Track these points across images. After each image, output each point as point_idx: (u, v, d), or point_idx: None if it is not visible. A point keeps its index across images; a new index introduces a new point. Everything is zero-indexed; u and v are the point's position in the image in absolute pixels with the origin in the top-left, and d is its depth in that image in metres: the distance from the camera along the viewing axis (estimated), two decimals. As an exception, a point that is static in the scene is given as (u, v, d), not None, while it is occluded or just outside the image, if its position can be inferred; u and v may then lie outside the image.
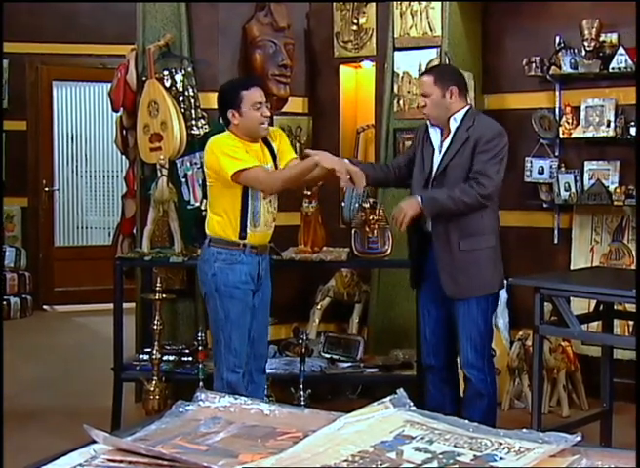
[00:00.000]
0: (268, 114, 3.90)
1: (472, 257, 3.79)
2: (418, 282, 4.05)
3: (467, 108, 3.88)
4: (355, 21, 5.55)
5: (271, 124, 5.27)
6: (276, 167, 3.92)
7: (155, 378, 4.56)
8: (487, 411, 3.83)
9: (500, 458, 1.43)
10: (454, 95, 3.82)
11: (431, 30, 5.12)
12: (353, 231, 4.63)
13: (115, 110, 5.42)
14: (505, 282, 5.02)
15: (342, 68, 5.73)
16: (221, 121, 4.04)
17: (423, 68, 5.08)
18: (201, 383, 4.45)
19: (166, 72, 5.02)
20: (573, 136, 5.21)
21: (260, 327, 4.00)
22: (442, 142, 3.87)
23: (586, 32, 5.04)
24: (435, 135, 3.90)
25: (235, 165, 3.70)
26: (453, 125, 3.84)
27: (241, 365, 3.91)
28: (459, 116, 3.84)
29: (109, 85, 5.42)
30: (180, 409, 1.74)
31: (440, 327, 3.95)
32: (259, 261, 3.89)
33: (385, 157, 5.25)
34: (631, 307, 4.45)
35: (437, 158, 3.87)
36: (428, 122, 3.95)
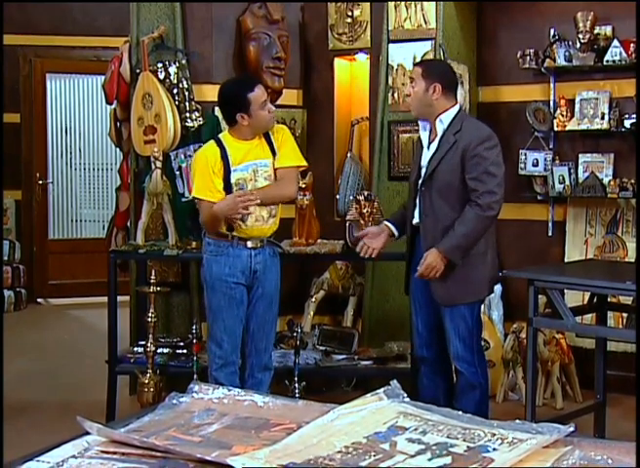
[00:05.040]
0: (273, 108, 3.96)
1: (462, 264, 3.76)
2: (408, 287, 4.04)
3: (456, 110, 3.82)
4: (350, 14, 5.54)
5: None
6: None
7: (150, 371, 4.55)
8: (480, 403, 3.83)
9: (494, 449, 1.43)
10: (437, 92, 3.77)
11: (426, 23, 5.11)
12: (348, 224, 4.63)
13: (109, 103, 5.41)
14: (499, 274, 5.04)
15: (337, 61, 5.73)
16: (224, 120, 4.06)
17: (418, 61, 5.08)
18: (195, 376, 4.45)
19: (160, 65, 5.01)
20: (567, 128, 5.21)
21: (260, 321, 4.01)
22: (430, 143, 3.85)
23: (581, 25, 5.04)
24: (424, 134, 3.89)
25: (198, 191, 3.90)
26: (440, 127, 3.80)
27: (223, 357, 3.96)
28: (445, 118, 3.79)
29: (103, 77, 5.40)
30: (174, 401, 1.74)
31: (432, 319, 3.93)
32: (250, 255, 3.91)
33: (380, 149, 5.25)
34: (625, 299, 4.48)
35: (425, 160, 3.84)
36: (420, 122, 3.95)
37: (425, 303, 3.92)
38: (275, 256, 4.05)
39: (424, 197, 3.79)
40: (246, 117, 3.84)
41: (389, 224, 4.02)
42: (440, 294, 3.79)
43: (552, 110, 5.27)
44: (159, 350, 4.72)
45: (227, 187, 3.86)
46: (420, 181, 3.82)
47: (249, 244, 3.90)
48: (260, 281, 3.96)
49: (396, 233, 4.01)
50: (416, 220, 3.87)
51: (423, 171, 3.82)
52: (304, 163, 4.08)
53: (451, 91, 3.85)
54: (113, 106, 5.37)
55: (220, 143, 3.91)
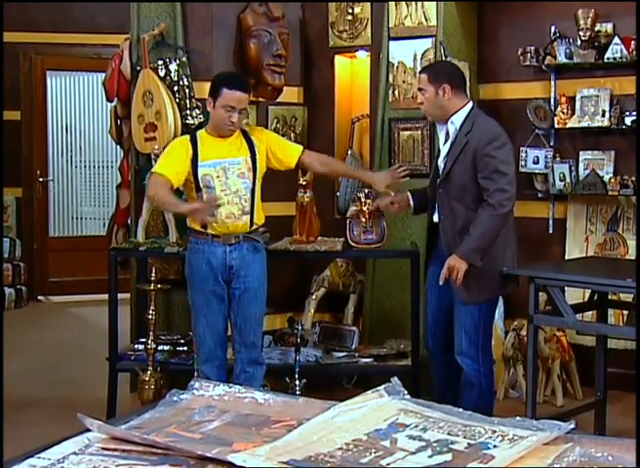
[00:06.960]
0: (234, 121, 3.93)
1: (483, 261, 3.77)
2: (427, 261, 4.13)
3: (468, 109, 3.85)
4: (350, 11, 5.53)
5: (265, 124, 5.34)
6: (253, 160, 3.98)
7: (150, 368, 4.56)
8: (478, 402, 3.79)
9: (494, 446, 1.43)
10: (447, 93, 3.81)
11: (426, 20, 5.10)
12: (348, 221, 4.63)
13: (110, 100, 5.40)
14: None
15: (337, 58, 5.72)
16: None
17: (419, 58, 5.09)
18: (196, 373, 4.45)
19: (160, 62, 5.01)
20: (568, 126, 5.21)
21: (245, 315, 4.04)
22: (445, 142, 3.90)
23: (582, 22, 5.04)
24: (441, 134, 3.95)
25: (162, 168, 3.92)
26: (452, 129, 3.85)
27: (207, 353, 4.03)
28: (457, 119, 3.83)
29: (104, 75, 5.40)
30: (175, 398, 1.74)
31: (439, 312, 3.98)
32: (225, 251, 3.96)
33: (380, 147, 5.25)
34: (626, 297, 4.47)
35: (441, 161, 3.91)
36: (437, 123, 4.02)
37: (438, 296, 3.97)
38: (256, 252, 4.06)
39: (442, 198, 3.87)
40: (211, 105, 3.94)
41: (410, 195, 4.14)
42: (461, 293, 3.82)
43: (553, 108, 5.27)
44: (160, 347, 4.73)
45: (195, 181, 3.91)
46: (437, 181, 3.89)
47: (223, 240, 3.95)
48: (240, 277, 4.00)
49: (412, 203, 4.12)
50: (435, 219, 3.94)
51: (440, 172, 3.89)
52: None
53: (460, 88, 3.89)
54: (114, 104, 5.37)
55: (193, 138, 3.99)
